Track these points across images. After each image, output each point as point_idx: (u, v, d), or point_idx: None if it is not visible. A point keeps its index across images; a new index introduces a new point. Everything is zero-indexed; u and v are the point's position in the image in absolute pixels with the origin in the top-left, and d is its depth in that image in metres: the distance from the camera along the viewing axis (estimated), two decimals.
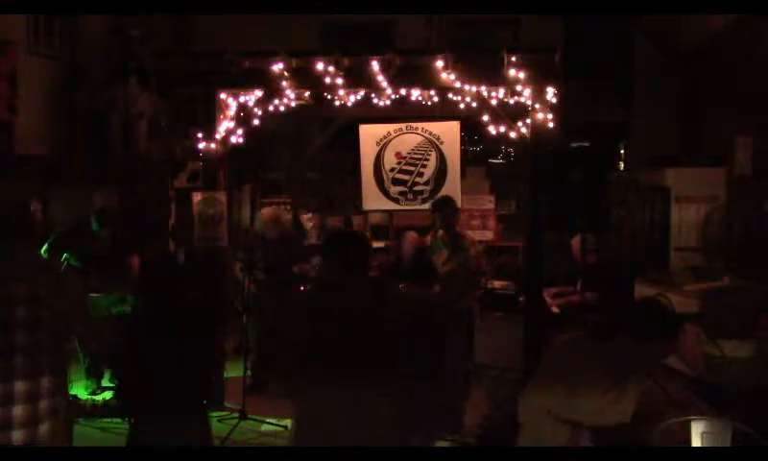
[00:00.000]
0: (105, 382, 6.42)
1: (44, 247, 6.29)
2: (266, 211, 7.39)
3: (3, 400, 2.75)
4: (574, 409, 2.94)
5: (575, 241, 7.06)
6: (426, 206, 8.05)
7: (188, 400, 3.34)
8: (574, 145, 11.45)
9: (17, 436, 2.74)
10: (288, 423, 5.63)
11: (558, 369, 3.12)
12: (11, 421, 2.74)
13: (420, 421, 4.06)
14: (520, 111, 6.61)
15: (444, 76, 6.13)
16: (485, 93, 6.52)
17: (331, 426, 3.06)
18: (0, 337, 2.76)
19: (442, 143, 8.54)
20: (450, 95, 6.91)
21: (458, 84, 6.23)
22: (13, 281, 2.82)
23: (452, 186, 8.52)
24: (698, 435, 3.07)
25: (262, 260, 6.65)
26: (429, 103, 7.29)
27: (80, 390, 6.25)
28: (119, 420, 5.59)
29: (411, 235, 7.41)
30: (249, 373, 6.33)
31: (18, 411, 2.75)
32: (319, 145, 9.36)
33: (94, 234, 6.62)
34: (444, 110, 7.65)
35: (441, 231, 6.64)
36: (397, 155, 8.69)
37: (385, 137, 8.68)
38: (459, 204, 8.73)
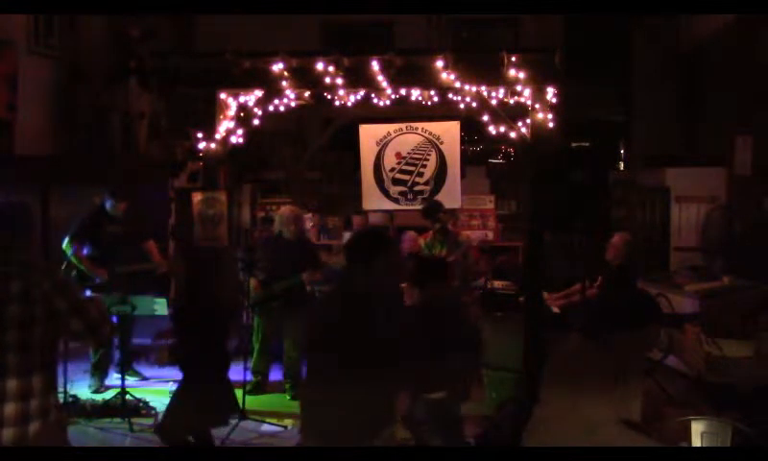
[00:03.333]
0: (111, 380, 6.44)
1: (66, 241, 6.28)
2: (285, 210, 7.26)
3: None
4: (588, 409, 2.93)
5: (618, 238, 6.83)
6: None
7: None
8: (574, 145, 11.45)
9: (7, 434, 2.75)
10: (288, 423, 5.64)
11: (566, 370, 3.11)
12: (1, 418, 2.75)
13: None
14: (520, 111, 6.61)
15: (444, 76, 6.13)
16: (485, 93, 6.52)
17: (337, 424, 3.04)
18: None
19: (442, 143, 8.54)
20: (450, 95, 6.90)
21: (458, 85, 6.23)
22: (7, 279, 2.84)
23: (452, 186, 8.52)
24: (698, 435, 3.07)
25: (276, 261, 6.51)
26: (429, 103, 7.29)
27: (80, 390, 6.25)
28: (119, 419, 5.60)
29: (410, 235, 7.43)
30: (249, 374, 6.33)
31: (9, 409, 2.76)
32: (319, 145, 9.36)
33: (110, 219, 6.48)
34: (444, 110, 7.66)
35: (437, 231, 6.69)
36: (397, 155, 8.69)
37: (385, 137, 8.68)
38: (459, 204, 8.74)
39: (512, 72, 6.03)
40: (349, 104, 7.26)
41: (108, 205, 6.48)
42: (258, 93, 6.55)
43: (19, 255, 2.94)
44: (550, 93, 6.14)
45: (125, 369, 6.15)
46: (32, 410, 2.80)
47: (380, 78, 6.20)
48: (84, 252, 6.35)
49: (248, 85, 6.44)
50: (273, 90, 6.47)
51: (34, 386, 2.82)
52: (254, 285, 6.59)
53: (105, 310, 3.11)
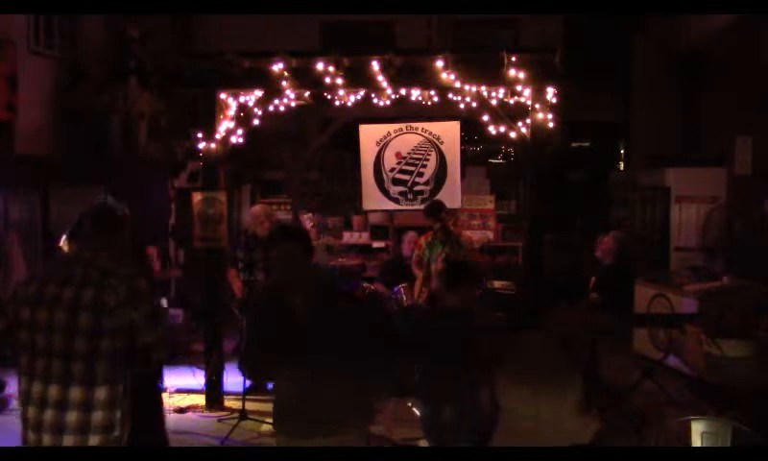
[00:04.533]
0: None
1: (63, 239, 6.25)
2: (254, 209, 7.32)
3: (57, 404, 2.73)
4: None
5: (608, 239, 6.92)
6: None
7: None
8: (574, 145, 11.45)
9: (68, 441, 2.71)
10: None
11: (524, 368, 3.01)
12: (62, 425, 2.72)
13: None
14: (520, 111, 6.60)
15: (444, 76, 6.12)
16: (485, 93, 6.51)
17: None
18: (63, 341, 2.73)
19: (442, 143, 8.54)
20: (450, 95, 6.90)
21: (458, 84, 6.22)
22: (82, 285, 2.77)
23: (452, 186, 8.51)
24: (698, 435, 3.07)
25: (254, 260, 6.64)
26: (429, 103, 7.28)
27: None
28: None
29: (411, 235, 7.44)
30: None
31: (71, 417, 2.72)
32: (319, 145, 9.36)
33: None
34: (444, 110, 7.65)
35: (438, 230, 6.69)
36: (397, 155, 8.68)
37: (385, 137, 8.68)
38: (459, 204, 8.73)
39: (512, 72, 6.02)
40: (349, 104, 7.25)
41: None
42: (258, 93, 6.53)
43: (101, 262, 2.85)
44: (550, 93, 6.13)
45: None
46: (93, 422, 2.74)
47: (380, 78, 6.20)
48: None
49: (248, 85, 6.43)
50: (273, 90, 6.46)
51: (97, 398, 2.75)
52: (238, 286, 6.65)
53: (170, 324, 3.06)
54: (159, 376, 4.24)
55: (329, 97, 7.15)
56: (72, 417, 2.72)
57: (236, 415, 5.83)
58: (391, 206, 8.88)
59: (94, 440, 2.74)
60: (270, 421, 5.70)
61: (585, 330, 3.45)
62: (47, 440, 2.73)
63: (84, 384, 2.73)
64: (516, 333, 3.08)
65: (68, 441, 2.71)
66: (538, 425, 2.82)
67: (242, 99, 6.58)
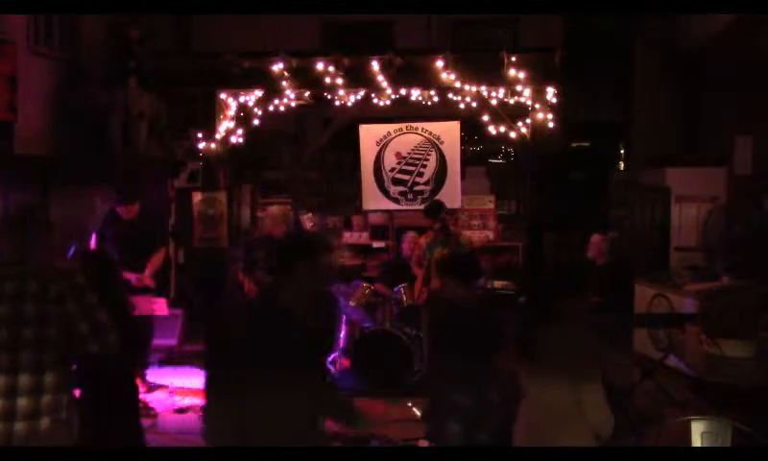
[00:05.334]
0: None
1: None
2: (272, 210, 7.32)
3: (7, 392, 2.87)
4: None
5: (596, 238, 6.96)
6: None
7: None
8: (574, 145, 11.45)
9: (19, 428, 2.85)
10: None
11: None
12: (14, 412, 2.85)
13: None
14: (520, 111, 6.61)
15: (444, 76, 6.13)
16: (485, 93, 6.51)
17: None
18: (8, 332, 2.89)
19: (442, 143, 8.54)
20: (450, 95, 6.90)
21: (458, 84, 6.22)
22: (23, 278, 2.94)
23: (452, 186, 8.51)
24: (698, 435, 3.07)
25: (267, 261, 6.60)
26: (429, 103, 7.29)
27: None
28: None
29: (411, 235, 7.44)
30: None
31: (22, 403, 2.86)
32: (319, 145, 9.36)
33: (121, 221, 6.38)
34: (444, 110, 7.65)
35: (438, 230, 6.69)
36: (397, 155, 8.68)
37: (385, 137, 8.67)
38: (459, 204, 8.73)
39: (512, 72, 6.03)
40: (349, 104, 7.26)
41: (118, 206, 6.37)
42: (258, 93, 6.54)
43: (34, 256, 3.04)
44: (550, 93, 6.14)
45: None
46: (43, 406, 2.89)
47: (380, 78, 6.21)
48: None
49: (248, 85, 6.44)
50: (273, 90, 6.47)
51: (46, 383, 2.90)
52: (249, 287, 6.63)
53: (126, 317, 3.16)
54: (132, 375, 4.24)
55: (329, 97, 7.16)
56: (22, 403, 2.86)
57: None
58: (391, 205, 8.88)
59: (45, 422, 2.88)
60: None
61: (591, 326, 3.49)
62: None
63: (33, 371, 2.89)
64: (541, 324, 3.08)
65: (19, 428, 2.85)
66: (561, 417, 2.84)
67: (242, 99, 6.60)
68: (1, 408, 2.86)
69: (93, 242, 6.22)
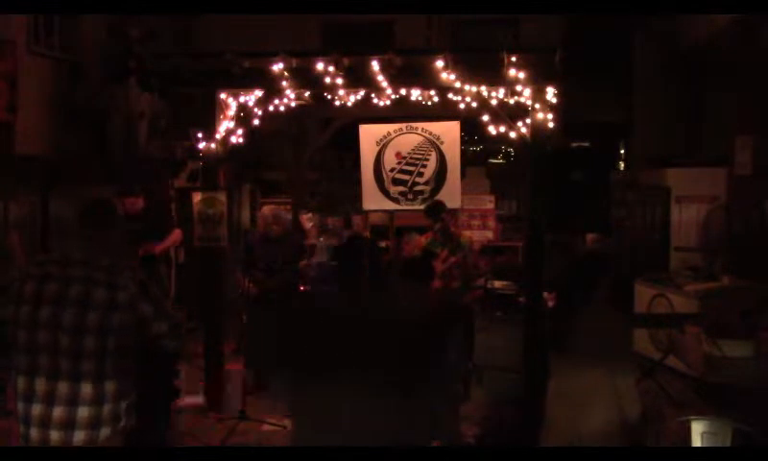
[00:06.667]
0: None
1: None
2: (267, 209, 7.38)
3: (68, 401, 2.77)
4: None
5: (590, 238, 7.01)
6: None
7: None
8: (574, 145, 11.45)
9: (79, 437, 2.77)
10: (288, 423, 5.63)
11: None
12: (74, 421, 2.77)
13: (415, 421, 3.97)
14: (520, 111, 6.60)
15: (443, 76, 6.12)
16: (485, 93, 6.51)
17: (333, 425, 3.01)
18: (71, 340, 2.76)
19: (442, 143, 8.53)
20: (450, 95, 6.89)
21: (458, 85, 6.22)
22: (93, 285, 2.80)
23: (452, 186, 8.51)
24: (698, 435, 3.08)
25: (264, 260, 6.67)
26: (429, 103, 7.28)
27: None
28: None
29: (411, 236, 7.43)
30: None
31: (83, 412, 2.77)
32: (319, 145, 9.36)
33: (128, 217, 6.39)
34: (444, 110, 7.64)
35: (438, 230, 6.69)
36: (397, 155, 8.68)
37: (385, 137, 8.67)
38: (459, 204, 8.73)
39: (512, 72, 6.02)
40: (349, 104, 7.25)
41: (122, 197, 6.36)
42: (258, 93, 6.53)
43: (102, 255, 2.88)
44: (550, 93, 6.13)
45: None
46: (104, 416, 2.81)
47: (380, 78, 6.19)
48: None
49: (248, 85, 6.43)
50: (273, 90, 6.46)
51: (107, 391, 2.81)
52: (250, 286, 6.65)
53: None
54: (170, 376, 4.22)
55: (329, 97, 7.14)
56: (84, 413, 2.77)
57: (236, 415, 5.83)
58: (391, 205, 8.87)
59: (105, 432, 2.80)
60: (271, 421, 5.72)
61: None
62: (56, 437, 2.76)
63: (93, 380, 2.78)
64: (573, 311, 3.14)
65: (79, 436, 2.77)
66: (591, 390, 2.87)
67: (242, 99, 6.58)
68: (62, 417, 2.77)
69: None
